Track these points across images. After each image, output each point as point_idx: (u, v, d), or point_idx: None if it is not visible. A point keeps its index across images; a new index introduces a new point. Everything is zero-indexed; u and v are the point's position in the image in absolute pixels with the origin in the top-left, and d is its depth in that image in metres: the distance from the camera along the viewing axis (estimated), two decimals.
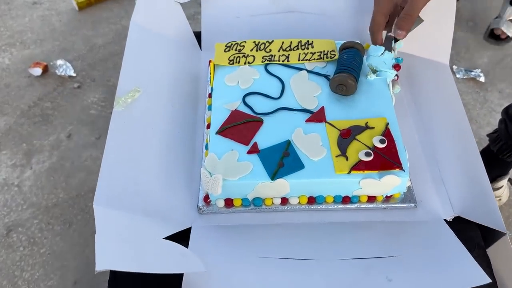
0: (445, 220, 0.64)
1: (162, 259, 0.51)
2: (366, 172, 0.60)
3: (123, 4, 1.89)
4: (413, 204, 0.65)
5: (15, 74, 1.62)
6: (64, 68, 1.60)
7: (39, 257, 1.22)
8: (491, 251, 0.64)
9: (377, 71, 0.72)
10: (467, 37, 1.76)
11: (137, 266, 0.46)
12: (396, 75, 0.81)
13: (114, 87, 1.58)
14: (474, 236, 0.64)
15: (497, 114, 1.49)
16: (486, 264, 0.61)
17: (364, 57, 0.74)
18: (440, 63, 0.85)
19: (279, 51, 0.76)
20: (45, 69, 1.60)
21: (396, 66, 0.76)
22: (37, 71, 1.58)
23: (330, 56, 0.74)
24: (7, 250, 1.23)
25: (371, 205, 0.64)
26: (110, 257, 0.47)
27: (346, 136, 0.64)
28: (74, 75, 1.61)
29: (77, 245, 1.24)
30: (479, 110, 1.53)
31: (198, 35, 0.88)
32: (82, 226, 1.28)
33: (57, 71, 1.60)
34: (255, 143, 0.64)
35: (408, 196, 0.65)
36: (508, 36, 1.69)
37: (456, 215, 0.64)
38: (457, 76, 1.61)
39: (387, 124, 0.65)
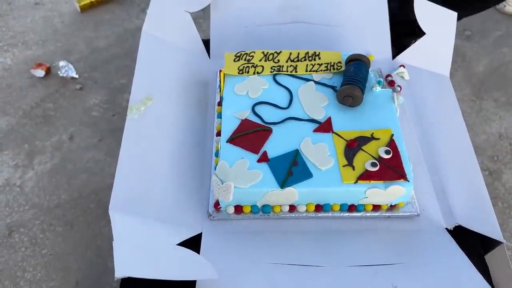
0: (446, 229, 0.67)
1: (178, 266, 0.53)
2: (372, 182, 0.63)
3: (125, 6, 1.90)
4: (416, 213, 0.67)
5: (17, 75, 1.63)
6: (67, 69, 1.61)
7: (41, 258, 1.23)
8: (488, 257, 0.67)
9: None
10: (463, 46, 1.79)
11: (154, 273, 0.48)
12: (399, 86, 0.84)
13: (116, 89, 1.60)
14: (474, 245, 0.66)
15: (493, 123, 1.52)
16: (485, 273, 0.63)
17: (370, 69, 0.76)
18: (441, 75, 0.87)
19: (287, 61, 0.78)
20: (48, 71, 1.60)
21: (391, 83, 0.83)
22: (40, 72, 1.58)
23: (337, 68, 0.77)
24: (9, 250, 1.24)
25: (376, 214, 0.67)
26: (128, 264, 0.49)
27: (353, 147, 0.66)
28: (76, 76, 1.61)
29: (79, 246, 1.25)
30: (475, 119, 1.56)
31: (205, 43, 0.90)
32: (84, 227, 1.29)
33: (59, 72, 1.61)
34: (265, 152, 0.66)
35: (411, 205, 0.68)
36: None
37: (457, 224, 0.67)
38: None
39: (392, 135, 0.68)
